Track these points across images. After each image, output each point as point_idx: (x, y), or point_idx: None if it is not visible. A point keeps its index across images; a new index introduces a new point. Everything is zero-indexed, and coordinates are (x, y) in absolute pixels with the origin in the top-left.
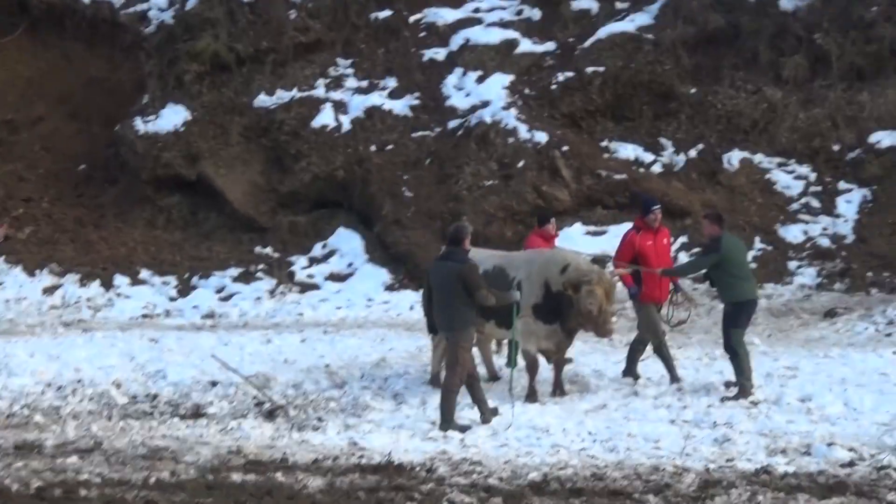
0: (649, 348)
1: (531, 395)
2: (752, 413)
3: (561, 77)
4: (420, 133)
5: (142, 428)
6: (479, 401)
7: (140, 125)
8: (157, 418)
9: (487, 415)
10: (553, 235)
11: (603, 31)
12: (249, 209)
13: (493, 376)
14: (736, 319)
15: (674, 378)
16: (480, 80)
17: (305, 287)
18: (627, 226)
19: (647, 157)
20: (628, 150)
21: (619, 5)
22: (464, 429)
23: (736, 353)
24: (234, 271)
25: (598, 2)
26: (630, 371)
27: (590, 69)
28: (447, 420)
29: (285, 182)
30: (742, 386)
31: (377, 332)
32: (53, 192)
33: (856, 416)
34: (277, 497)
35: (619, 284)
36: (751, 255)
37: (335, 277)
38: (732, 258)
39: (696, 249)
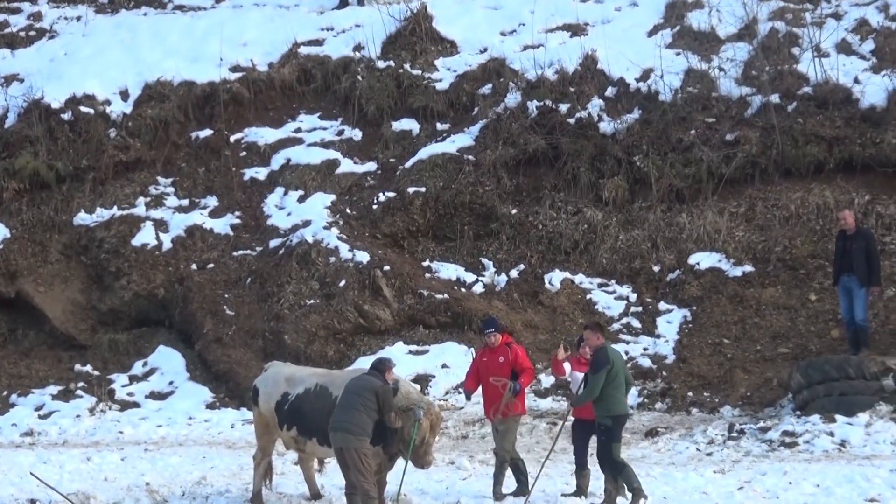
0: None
1: None
2: None
3: (382, 197)
4: (241, 252)
5: None
6: None
7: None
8: None
9: None
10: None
11: (424, 152)
12: (69, 327)
13: (315, 495)
14: (616, 433)
15: (496, 494)
16: (301, 199)
17: (126, 405)
18: (449, 345)
19: (469, 276)
20: (450, 270)
21: (439, 126)
22: None
23: (624, 465)
24: (54, 389)
25: (418, 123)
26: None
27: (411, 189)
28: None
29: (105, 300)
30: (639, 490)
31: (198, 451)
32: None
33: None
34: None
35: None
36: None
37: (156, 395)
38: (617, 370)
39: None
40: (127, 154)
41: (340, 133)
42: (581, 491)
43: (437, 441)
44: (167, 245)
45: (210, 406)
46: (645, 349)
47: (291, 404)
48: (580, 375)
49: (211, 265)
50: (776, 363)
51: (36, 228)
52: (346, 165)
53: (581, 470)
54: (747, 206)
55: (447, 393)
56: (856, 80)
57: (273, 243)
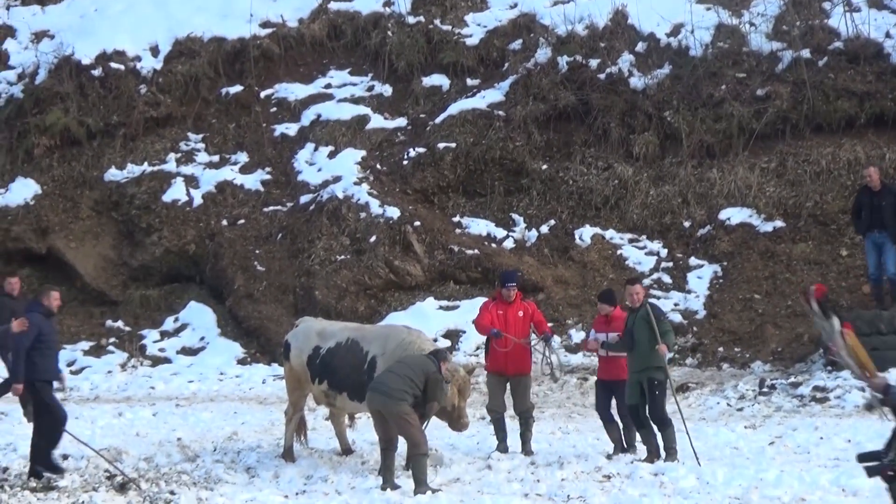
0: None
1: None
2: (605, 487)
3: (412, 153)
4: (272, 208)
5: None
6: (387, 469)
7: None
8: (7, 491)
9: (388, 485)
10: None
11: (454, 108)
12: (100, 283)
13: (347, 450)
14: (665, 386)
15: (526, 451)
16: (332, 155)
17: (157, 361)
18: (479, 301)
19: (499, 232)
20: (480, 226)
21: (469, 82)
22: (434, 490)
23: (671, 422)
24: (86, 345)
25: (448, 78)
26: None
27: (441, 145)
28: (421, 482)
29: (136, 256)
30: (675, 450)
31: (229, 406)
32: None
33: (709, 489)
34: None
35: None
36: None
37: (187, 351)
38: None
39: None
40: (157, 110)
41: (370, 89)
42: (621, 446)
43: (469, 399)
44: (198, 201)
45: (241, 362)
46: (675, 304)
47: (322, 358)
48: (615, 335)
49: (242, 221)
50: (807, 319)
51: (67, 184)
52: (377, 121)
53: (610, 424)
54: (778, 162)
55: (478, 348)
56: (887, 35)
57: (303, 199)
